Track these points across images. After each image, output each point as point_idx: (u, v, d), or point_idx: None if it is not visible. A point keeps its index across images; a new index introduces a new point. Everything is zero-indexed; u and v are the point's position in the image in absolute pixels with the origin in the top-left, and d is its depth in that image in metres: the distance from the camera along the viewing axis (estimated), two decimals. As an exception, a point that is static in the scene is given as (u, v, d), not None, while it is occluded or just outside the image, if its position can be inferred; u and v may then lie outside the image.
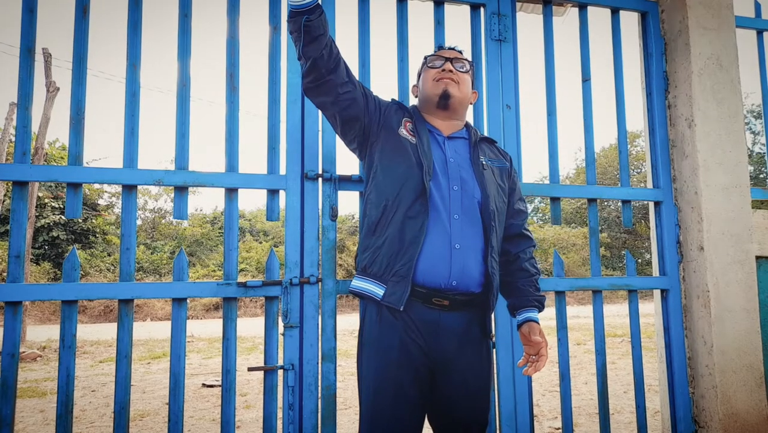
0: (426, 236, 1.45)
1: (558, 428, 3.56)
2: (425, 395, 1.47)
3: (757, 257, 2.39)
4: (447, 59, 1.64)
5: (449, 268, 1.44)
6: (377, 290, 1.47)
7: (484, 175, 1.56)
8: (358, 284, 1.53)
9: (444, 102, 1.62)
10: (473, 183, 1.54)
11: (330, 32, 1.49)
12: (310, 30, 1.41)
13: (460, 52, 1.71)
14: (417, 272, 1.44)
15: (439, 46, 1.74)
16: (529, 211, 2.09)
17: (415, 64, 1.90)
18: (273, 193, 1.94)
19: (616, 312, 12.85)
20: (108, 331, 11.64)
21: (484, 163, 1.60)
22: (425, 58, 1.73)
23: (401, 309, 1.42)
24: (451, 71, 1.62)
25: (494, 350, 2.07)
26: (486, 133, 2.18)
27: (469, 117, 2.19)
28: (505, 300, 1.67)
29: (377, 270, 1.48)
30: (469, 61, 1.68)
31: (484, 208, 1.52)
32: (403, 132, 1.58)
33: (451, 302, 1.45)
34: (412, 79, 2.10)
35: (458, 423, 1.50)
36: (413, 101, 1.79)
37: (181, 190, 1.87)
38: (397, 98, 2.12)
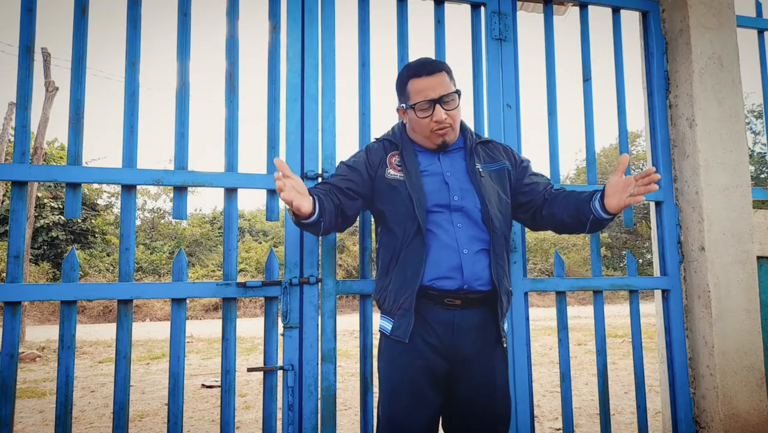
0: (428, 254, 1.51)
1: (558, 429, 3.56)
2: (441, 398, 1.52)
3: (759, 257, 2.39)
4: (435, 102, 1.53)
5: (461, 273, 1.50)
6: (387, 325, 1.57)
7: (482, 183, 1.59)
8: (380, 322, 1.62)
9: (443, 148, 1.63)
10: (473, 193, 1.58)
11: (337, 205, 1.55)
12: (317, 233, 1.54)
13: (441, 69, 1.57)
14: (426, 277, 1.51)
15: (417, 70, 1.56)
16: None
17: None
18: (273, 193, 1.93)
19: (616, 312, 12.85)
20: (107, 331, 11.64)
21: (480, 170, 1.62)
22: (404, 88, 1.59)
23: (407, 342, 1.49)
24: (444, 120, 1.55)
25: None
26: (486, 133, 2.18)
27: (470, 117, 2.18)
28: (575, 227, 1.64)
29: (387, 307, 1.57)
30: (454, 91, 1.57)
31: (485, 218, 1.56)
32: (390, 173, 1.61)
33: (463, 301, 1.50)
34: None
35: (480, 421, 1.52)
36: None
37: (180, 190, 1.87)
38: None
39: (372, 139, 1.76)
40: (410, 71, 1.59)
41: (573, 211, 1.60)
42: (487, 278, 1.53)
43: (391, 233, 1.58)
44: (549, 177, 2.28)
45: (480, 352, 1.53)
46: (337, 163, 1.73)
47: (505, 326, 1.60)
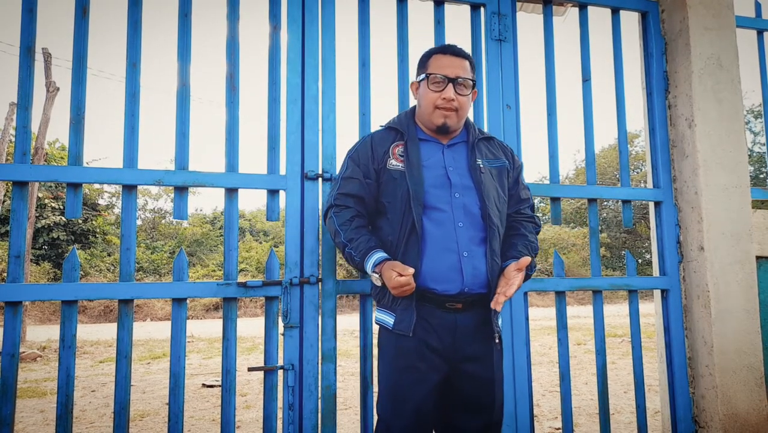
0: (424, 253, 1.51)
1: (558, 428, 3.56)
2: (439, 400, 1.53)
3: (758, 257, 2.39)
4: (450, 80, 1.57)
5: (461, 276, 1.50)
6: (389, 319, 1.55)
7: (482, 179, 1.58)
8: (377, 315, 1.62)
9: (443, 131, 1.62)
10: (473, 190, 1.58)
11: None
12: None
13: (467, 57, 1.62)
14: (426, 280, 1.50)
15: (443, 48, 1.63)
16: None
17: (414, 63, 1.89)
18: (273, 193, 1.94)
19: (616, 312, 12.84)
20: (108, 331, 11.64)
21: (481, 166, 1.61)
22: (426, 61, 1.63)
23: (410, 335, 1.48)
24: (452, 100, 1.57)
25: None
26: (486, 133, 2.18)
27: (469, 117, 2.18)
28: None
29: (387, 302, 1.56)
30: (472, 79, 1.61)
31: (484, 215, 1.55)
32: (392, 163, 1.60)
33: (463, 304, 1.51)
34: (412, 76, 2.09)
35: (479, 417, 1.53)
36: (412, 99, 1.76)
37: (181, 191, 1.87)
38: (397, 98, 2.13)
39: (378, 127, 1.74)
40: (437, 48, 1.64)
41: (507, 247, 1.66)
42: (485, 279, 1.52)
43: (390, 225, 1.56)
44: (549, 177, 2.29)
45: (479, 350, 1.53)
46: (343, 158, 1.70)
47: (500, 321, 1.60)
